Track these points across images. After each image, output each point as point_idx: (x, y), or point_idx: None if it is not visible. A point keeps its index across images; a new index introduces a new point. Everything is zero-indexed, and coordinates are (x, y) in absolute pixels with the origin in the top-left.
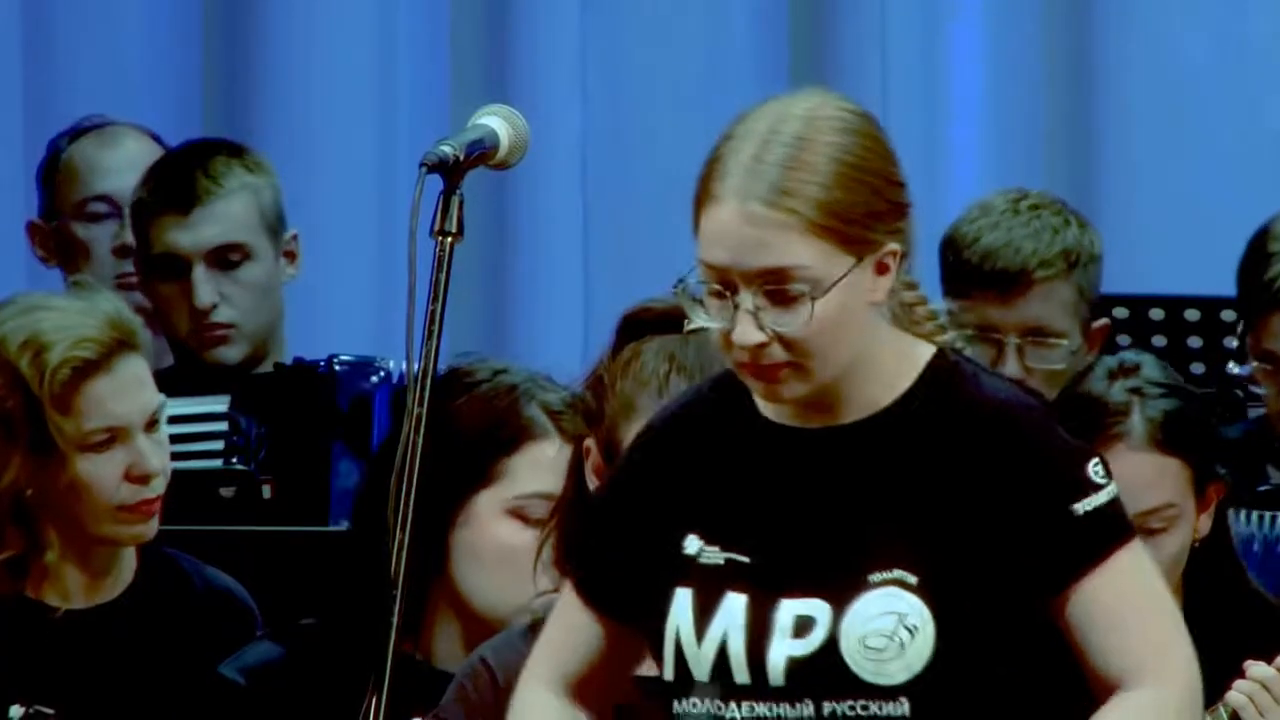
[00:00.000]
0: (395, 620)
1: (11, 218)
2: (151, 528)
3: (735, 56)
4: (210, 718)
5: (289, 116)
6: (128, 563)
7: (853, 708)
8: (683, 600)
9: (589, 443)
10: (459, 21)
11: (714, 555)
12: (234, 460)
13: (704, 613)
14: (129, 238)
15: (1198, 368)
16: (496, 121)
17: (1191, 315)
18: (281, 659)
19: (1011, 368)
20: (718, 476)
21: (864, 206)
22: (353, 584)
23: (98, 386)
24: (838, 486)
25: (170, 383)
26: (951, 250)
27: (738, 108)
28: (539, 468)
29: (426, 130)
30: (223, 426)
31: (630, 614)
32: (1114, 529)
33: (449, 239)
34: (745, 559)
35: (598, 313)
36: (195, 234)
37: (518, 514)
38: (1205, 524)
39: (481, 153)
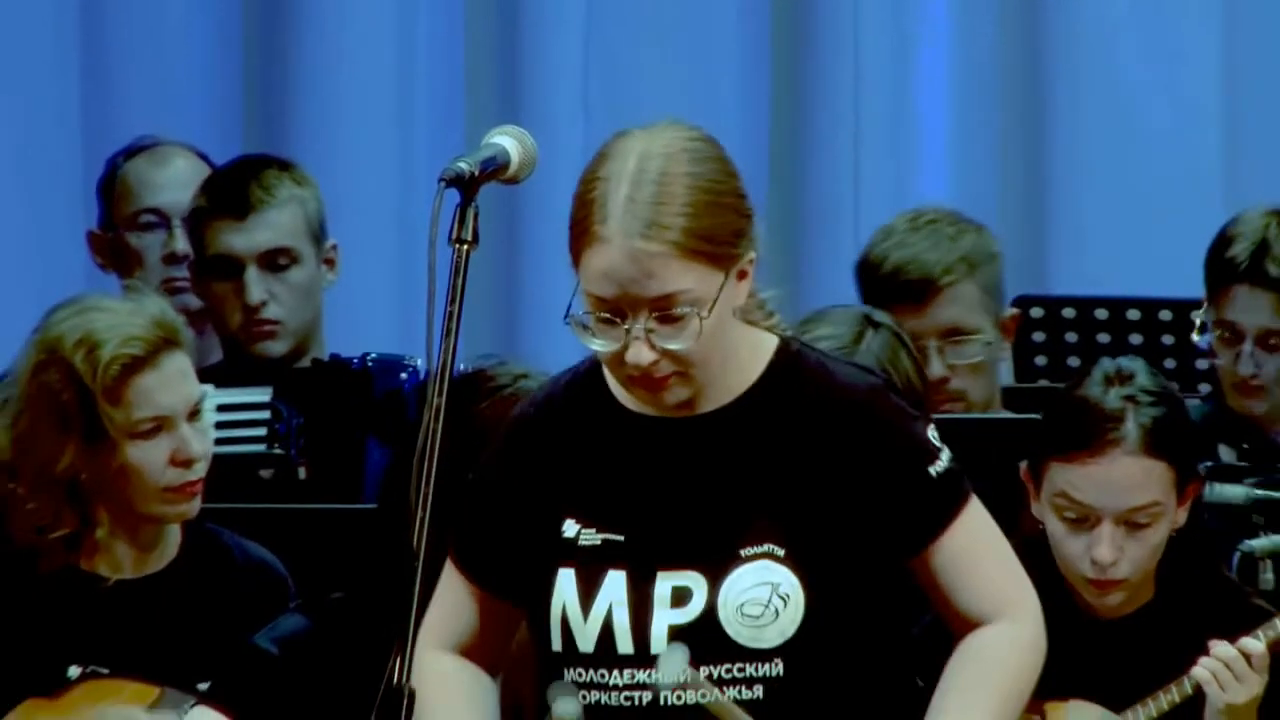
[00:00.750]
0: (416, 589)
1: (72, 228)
2: (194, 506)
3: (723, 81)
4: (244, 684)
5: (319, 136)
6: (173, 537)
7: (729, 670)
8: (566, 579)
9: None
10: (472, 49)
11: (591, 536)
12: (275, 446)
13: (588, 590)
14: (177, 246)
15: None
16: (508, 140)
17: (1101, 314)
18: (310, 630)
19: (936, 368)
20: (588, 463)
21: (726, 226)
22: (378, 558)
23: (145, 380)
24: (703, 470)
25: (219, 375)
26: (866, 272)
27: (724, 122)
28: None
29: (443, 149)
30: (265, 415)
31: (506, 589)
32: (960, 488)
33: (465, 246)
34: (620, 538)
35: None
36: (249, 238)
37: None
38: (1182, 516)
39: (494, 169)
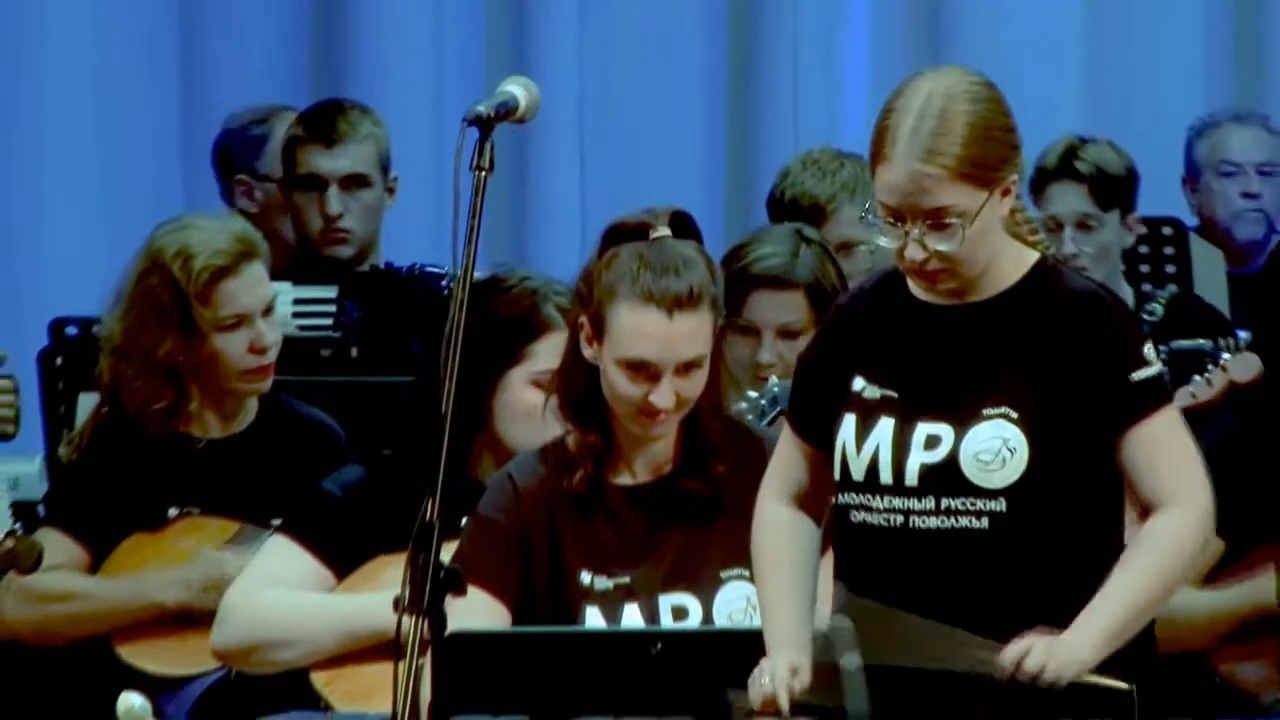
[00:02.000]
0: (445, 442)
1: (169, 159)
2: (267, 383)
3: (687, 42)
4: (312, 519)
5: (371, 88)
6: (251, 406)
7: (963, 503)
8: (848, 422)
9: (582, 319)
10: (492, 18)
11: (873, 391)
12: (338, 332)
13: (863, 431)
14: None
15: None
16: (517, 88)
17: None
18: (367, 478)
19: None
20: (879, 334)
21: (992, 155)
22: (417, 423)
23: (228, 285)
24: (965, 345)
25: (295, 273)
26: (773, 206)
27: (689, 77)
28: (554, 351)
29: (467, 94)
30: (331, 308)
31: (823, 441)
32: (1158, 396)
33: (483, 173)
34: (894, 394)
35: (590, 229)
36: (334, 162)
37: (538, 384)
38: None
39: (506, 111)
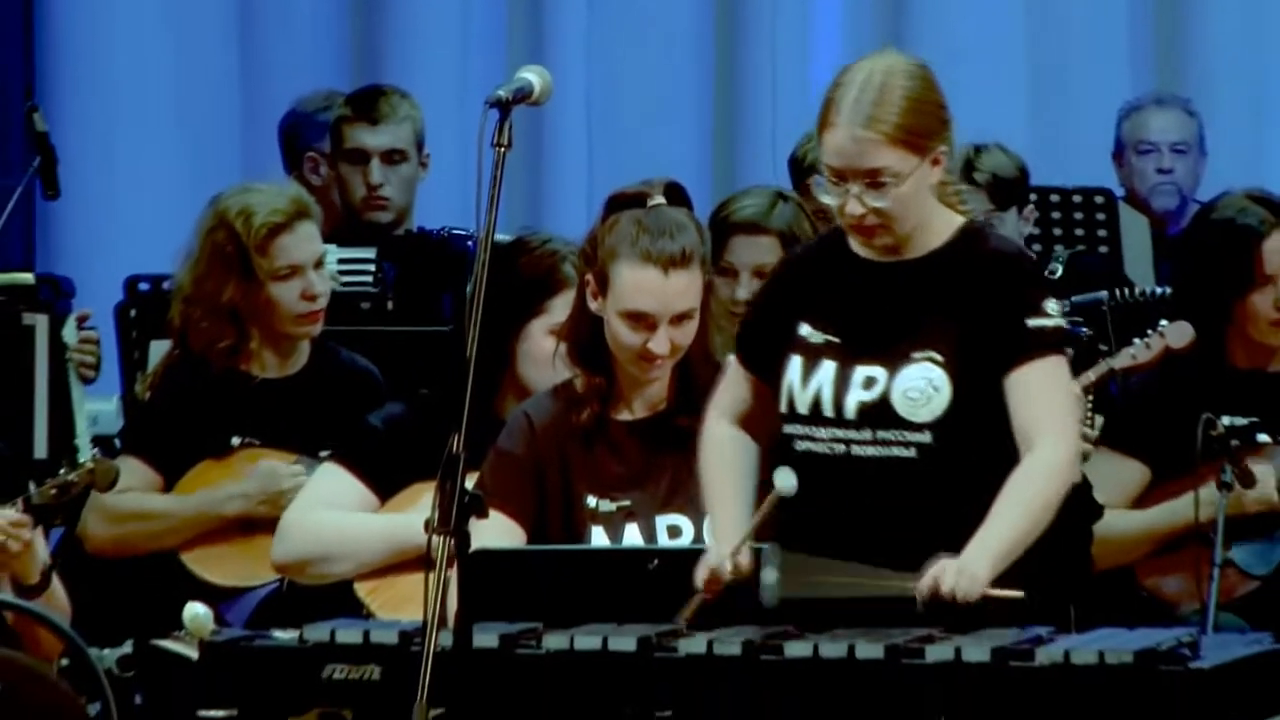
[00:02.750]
0: (470, 386)
1: (229, 136)
2: (317, 328)
3: (681, 35)
4: (359, 449)
5: (406, 75)
6: (303, 349)
7: (895, 435)
8: (795, 363)
9: (588, 276)
10: (512, 13)
11: (817, 336)
12: (375, 288)
13: (807, 371)
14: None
15: None
16: (533, 75)
17: None
18: (406, 414)
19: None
20: (823, 286)
21: (924, 125)
22: (447, 367)
23: (283, 240)
24: (898, 297)
25: (340, 237)
26: (794, 165)
27: (682, 65)
28: (569, 305)
29: (489, 79)
30: (371, 267)
31: (766, 373)
32: (1048, 344)
33: (503, 149)
34: (836, 339)
35: (595, 198)
36: (377, 138)
37: (555, 333)
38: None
39: (523, 95)
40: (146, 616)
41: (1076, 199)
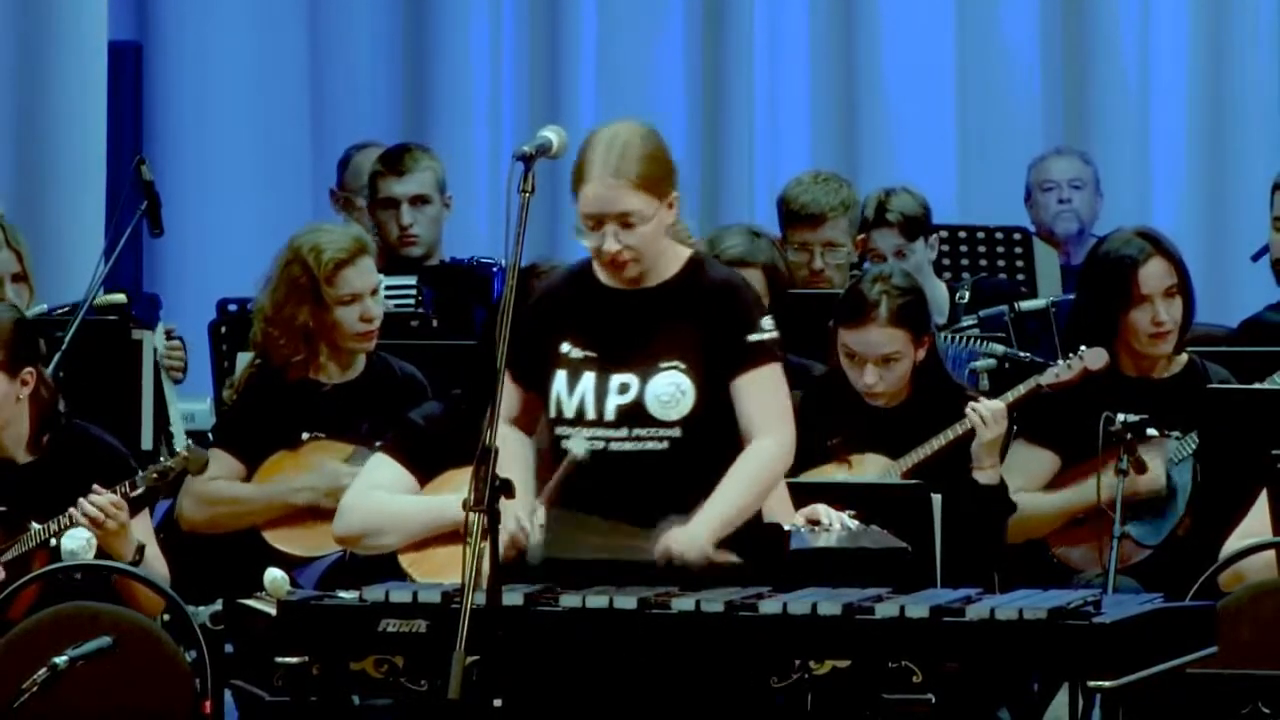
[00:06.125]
0: (500, 389)
1: (301, 176)
2: (372, 345)
3: (673, 76)
4: (404, 441)
5: (445, 133)
6: (361, 361)
7: (649, 432)
8: (560, 377)
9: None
10: (535, 76)
11: (577, 352)
12: (418, 309)
13: (571, 382)
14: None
15: None
16: (552, 133)
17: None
18: (444, 411)
19: (817, 264)
20: (579, 311)
21: (659, 174)
22: (479, 370)
23: (347, 272)
24: (644, 318)
25: (386, 269)
26: (782, 206)
27: (671, 112)
28: None
29: (517, 136)
30: (412, 292)
31: (533, 384)
32: (765, 355)
33: (527, 195)
34: (594, 354)
35: None
36: (405, 187)
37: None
38: (921, 354)
39: (544, 150)
40: (233, 580)
41: (998, 235)
